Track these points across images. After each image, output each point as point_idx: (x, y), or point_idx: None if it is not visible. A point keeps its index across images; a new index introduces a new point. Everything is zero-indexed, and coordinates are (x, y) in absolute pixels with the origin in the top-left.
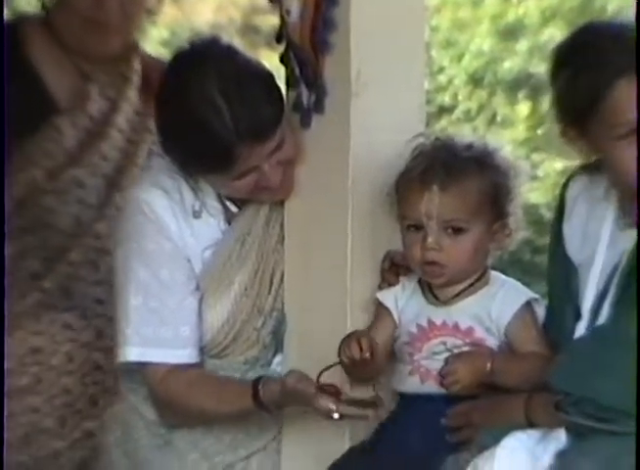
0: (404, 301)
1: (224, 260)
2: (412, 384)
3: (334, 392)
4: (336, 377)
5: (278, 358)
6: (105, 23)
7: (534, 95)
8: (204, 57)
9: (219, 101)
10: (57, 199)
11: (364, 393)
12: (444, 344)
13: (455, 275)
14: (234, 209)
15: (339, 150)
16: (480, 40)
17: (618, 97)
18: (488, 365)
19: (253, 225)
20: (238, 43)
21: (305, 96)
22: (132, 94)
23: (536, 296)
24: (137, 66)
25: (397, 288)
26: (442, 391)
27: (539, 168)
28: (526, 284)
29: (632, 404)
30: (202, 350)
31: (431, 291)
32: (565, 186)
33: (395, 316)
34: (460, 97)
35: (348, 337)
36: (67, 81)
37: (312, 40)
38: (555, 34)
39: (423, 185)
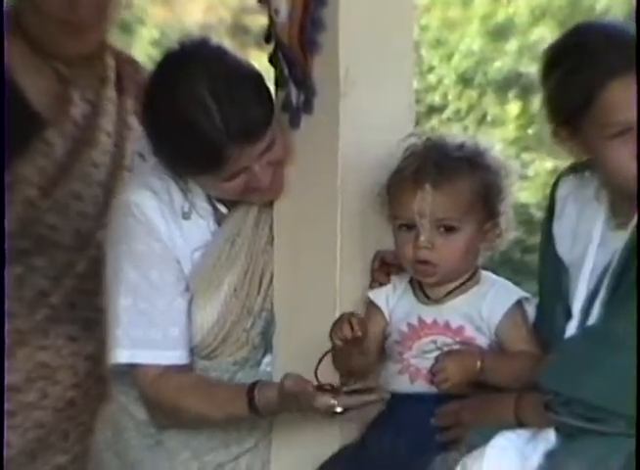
0: (395, 300)
1: (214, 261)
2: (402, 383)
3: (331, 388)
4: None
5: (267, 359)
6: (79, 24)
7: (524, 95)
8: (193, 57)
9: (209, 101)
10: (58, 215)
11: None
12: (435, 342)
13: (447, 274)
14: (223, 210)
15: (328, 150)
16: (470, 40)
17: (610, 97)
18: (478, 364)
19: (243, 226)
20: (228, 44)
21: (294, 96)
22: (111, 93)
23: (527, 295)
24: (111, 62)
25: (389, 287)
26: (432, 390)
27: (529, 168)
28: (517, 283)
29: (622, 405)
30: (192, 351)
31: (422, 290)
32: (555, 186)
33: (386, 315)
34: (450, 97)
35: (339, 319)
36: (46, 87)
37: (301, 40)
38: (545, 34)
39: (415, 184)
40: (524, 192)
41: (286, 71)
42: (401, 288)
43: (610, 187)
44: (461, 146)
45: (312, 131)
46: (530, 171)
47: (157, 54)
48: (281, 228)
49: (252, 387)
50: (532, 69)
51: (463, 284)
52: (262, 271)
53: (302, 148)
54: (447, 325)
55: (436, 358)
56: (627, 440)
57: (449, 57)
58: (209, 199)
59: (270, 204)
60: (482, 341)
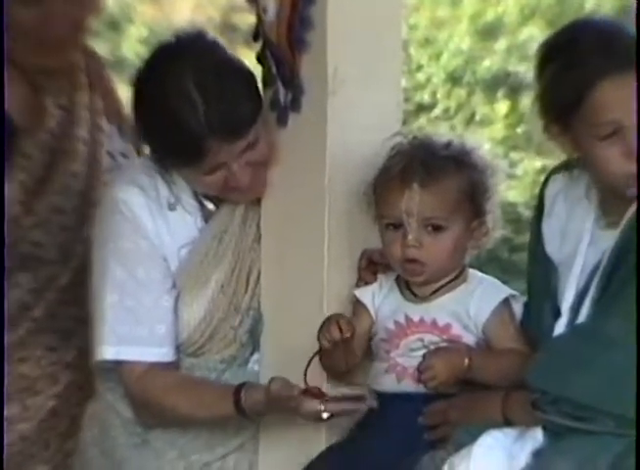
0: (381, 298)
1: (201, 258)
2: (388, 382)
3: (318, 393)
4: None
5: (255, 357)
6: (55, 41)
7: (513, 94)
8: (184, 50)
9: (194, 93)
10: (41, 231)
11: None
12: (422, 340)
13: (434, 273)
14: (211, 206)
15: (315, 148)
16: (459, 39)
17: (600, 97)
18: (466, 361)
19: (230, 223)
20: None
21: (282, 94)
22: (84, 97)
23: (514, 293)
24: (82, 62)
25: (375, 285)
26: (419, 389)
27: (518, 167)
28: (504, 282)
29: (610, 404)
30: (178, 348)
31: (408, 288)
32: (545, 183)
33: (372, 313)
34: (438, 95)
35: (327, 320)
36: (19, 97)
37: (289, 38)
38: (534, 33)
39: (402, 183)
40: (512, 191)
41: (274, 70)
42: (388, 286)
43: (600, 186)
44: (447, 145)
45: (300, 130)
46: (519, 170)
47: (145, 52)
48: (268, 226)
49: (239, 388)
50: (521, 68)
51: (450, 282)
52: (250, 269)
53: (290, 146)
54: (434, 323)
55: (424, 356)
56: (615, 439)
57: (438, 56)
58: (196, 195)
59: (258, 201)
60: (470, 339)
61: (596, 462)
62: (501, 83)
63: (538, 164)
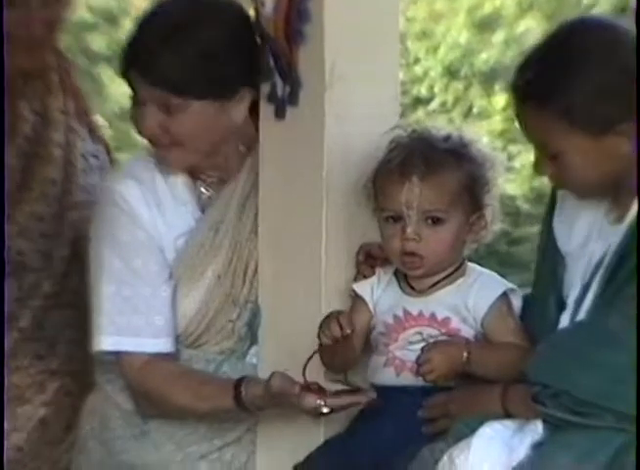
0: (380, 291)
1: (197, 249)
2: (387, 376)
3: (318, 389)
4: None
5: (253, 350)
6: (30, 40)
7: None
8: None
9: (159, 20)
10: (24, 240)
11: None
12: (420, 334)
13: (433, 266)
14: (207, 193)
15: (313, 141)
16: (457, 32)
17: None
18: (465, 355)
19: (226, 214)
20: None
21: (280, 88)
22: (58, 100)
23: (513, 286)
24: (54, 63)
25: (373, 279)
26: (418, 383)
27: (516, 160)
28: (503, 275)
29: (610, 400)
30: (177, 339)
31: (407, 282)
32: None
33: (371, 307)
34: (436, 89)
35: (327, 318)
36: None
37: (286, 32)
38: (531, 26)
39: (402, 176)
40: (510, 184)
41: (271, 63)
42: (386, 280)
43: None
44: (447, 138)
45: (297, 123)
46: (517, 163)
47: None
48: (266, 220)
49: (240, 382)
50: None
51: (449, 276)
52: (247, 261)
53: (288, 140)
54: (433, 316)
55: (422, 349)
56: (615, 433)
57: (435, 49)
58: (193, 186)
59: (255, 192)
60: (469, 332)
61: (596, 456)
62: (499, 76)
63: None
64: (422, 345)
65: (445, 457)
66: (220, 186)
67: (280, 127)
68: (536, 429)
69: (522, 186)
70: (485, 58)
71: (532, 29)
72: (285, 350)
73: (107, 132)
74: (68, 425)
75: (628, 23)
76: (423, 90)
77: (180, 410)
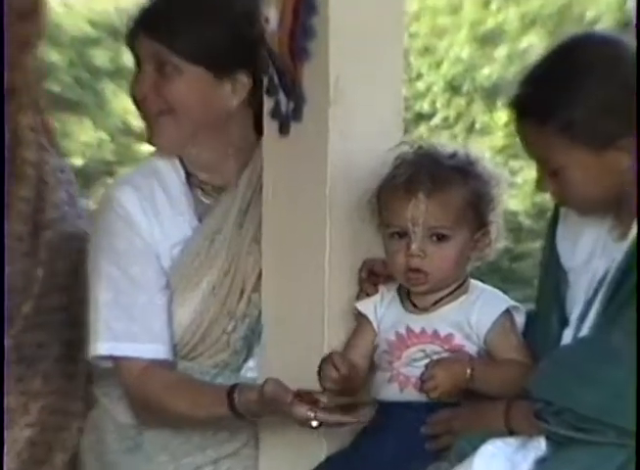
0: (383, 309)
1: (192, 258)
2: (391, 392)
3: (311, 400)
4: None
5: (249, 364)
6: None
7: None
8: None
9: None
10: (6, 261)
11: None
12: (423, 351)
13: (437, 283)
14: (205, 201)
15: (317, 157)
16: (459, 47)
17: None
18: (468, 371)
19: (224, 224)
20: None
21: (284, 104)
22: (28, 117)
23: (516, 303)
24: (24, 84)
25: (377, 297)
26: (422, 399)
27: (518, 176)
28: (505, 291)
29: (613, 416)
30: (174, 348)
31: (409, 299)
32: None
33: (375, 325)
34: (438, 104)
35: (322, 362)
36: None
37: (291, 48)
38: (534, 41)
39: (408, 192)
40: (512, 199)
41: (275, 79)
42: (389, 297)
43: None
44: (453, 155)
45: (301, 139)
46: (519, 179)
47: None
48: (269, 236)
49: (233, 389)
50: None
51: (452, 293)
52: (245, 273)
53: (291, 155)
54: (436, 333)
55: (426, 366)
56: (618, 449)
57: (438, 64)
58: (191, 193)
59: (255, 204)
60: (471, 349)
61: None
62: (501, 92)
63: None
64: (426, 362)
65: None
66: (219, 195)
67: (284, 143)
68: (539, 445)
69: (524, 202)
70: (488, 73)
71: (535, 45)
72: (287, 367)
73: (109, 146)
74: (56, 444)
75: (629, 39)
76: (425, 106)
77: (178, 417)
